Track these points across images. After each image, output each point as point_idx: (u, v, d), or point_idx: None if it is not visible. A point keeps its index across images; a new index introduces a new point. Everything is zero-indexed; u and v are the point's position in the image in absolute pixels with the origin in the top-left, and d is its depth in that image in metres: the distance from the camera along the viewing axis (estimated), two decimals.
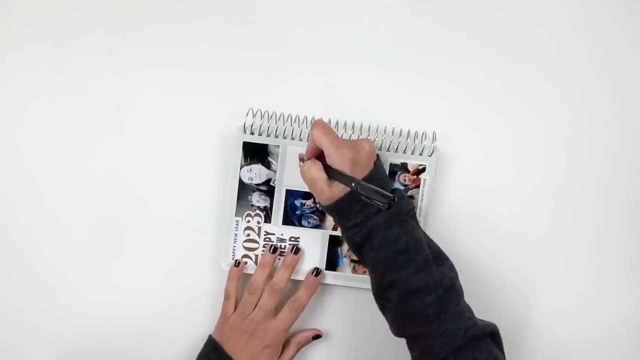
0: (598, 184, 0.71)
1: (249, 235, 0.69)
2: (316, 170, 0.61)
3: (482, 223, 0.71)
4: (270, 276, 0.68)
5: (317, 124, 0.61)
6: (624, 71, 0.71)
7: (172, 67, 0.72)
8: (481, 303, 0.61)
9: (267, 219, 0.69)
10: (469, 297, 0.60)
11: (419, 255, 0.58)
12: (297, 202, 0.69)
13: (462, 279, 0.61)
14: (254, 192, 0.69)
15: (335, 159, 0.59)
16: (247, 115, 0.68)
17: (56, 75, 0.72)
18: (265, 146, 0.69)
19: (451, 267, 0.60)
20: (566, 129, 0.71)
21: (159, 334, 0.72)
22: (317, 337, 0.69)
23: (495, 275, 0.71)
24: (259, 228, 0.69)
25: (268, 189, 0.69)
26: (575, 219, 0.71)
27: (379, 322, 0.61)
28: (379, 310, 0.61)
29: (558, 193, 0.71)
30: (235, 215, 0.69)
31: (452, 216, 0.70)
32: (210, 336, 0.67)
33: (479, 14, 0.71)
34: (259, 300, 0.66)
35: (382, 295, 0.60)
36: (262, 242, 0.69)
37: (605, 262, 0.71)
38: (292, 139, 0.68)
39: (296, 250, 0.68)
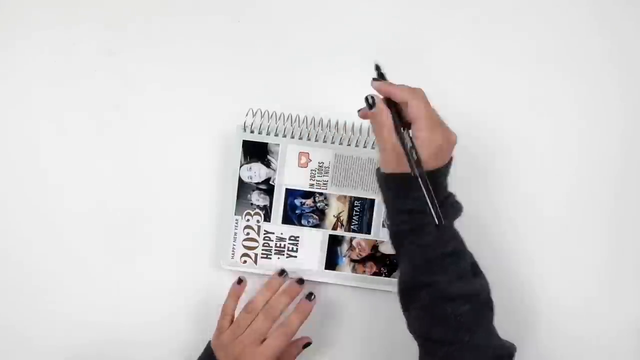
0: (608, 182, 0.71)
1: (248, 234, 0.69)
2: (388, 116, 0.55)
3: (486, 222, 0.70)
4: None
5: (421, 91, 0.55)
6: (634, 69, 0.71)
7: (172, 67, 0.73)
8: None
9: (267, 218, 0.69)
10: None
11: (462, 262, 0.56)
12: (297, 201, 0.69)
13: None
14: (253, 190, 0.69)
15: (425, 138, 0.53)
16: (247, 114, 0.68)
17: (56, 75, 0.72)
18: (265, 145, 0.69)
19: (487, 281, 0.58)
20: (576, 128, 0.71)
21: (158, 332, 0.72)
22: (307, 345, 0.68)
23: (501, 272, 0.70)
24: (259, 227, 0.69)
25: (268, 188, 0.69)
26: (583, 217, 0.71)
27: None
28: (400, 303, 0.58)
29: (567, 192, 0.71)
30: (235, 214, 0.69)
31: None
32: (209, 343, 0.66)
33: (481, 13, 0.72)
34: (253, 320, 0.65)
35: (412, 292, 0.57)
36: (261, 241, 0.69)
37: (614, 259, 0.71)
38: (292, 137, 0.68)
39: (301, 280, 0.68)
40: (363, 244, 0.69)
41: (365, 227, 0.69)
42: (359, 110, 0.59)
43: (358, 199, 0.69)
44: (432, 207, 0.53)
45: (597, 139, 0.71)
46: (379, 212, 0.69)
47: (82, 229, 0.72)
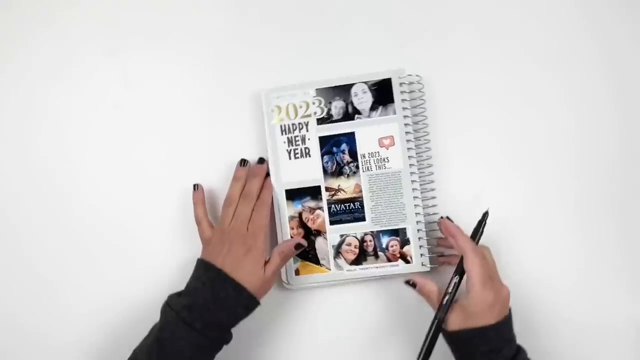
0: (609, 181, 0.70)
1: None
2: (432, 285, 0.64)
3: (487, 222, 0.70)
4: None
5: (481, 250, 0.62)
6: (627, 70, 0.71)
7: (172, 67, 0.73)
8: None
9: None
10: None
11: None
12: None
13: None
14: None
15: (476, 293, 0.59)
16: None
17: (56, 75, 0.73)
18: None
19: None
20: (569, 129, 0.71)
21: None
22: (299, 246, 0.66)
23: (501, 272, 0.70)
24: None
25: None
26: (583, 216, 0.71)
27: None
28: None
29: (567, 190, 0.70)
30: None
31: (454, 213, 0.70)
32: (198, 260, 0.65)
33: (481, 13, 0.72)
34: (235, 210, 0.66)
35: None
36: None
37: (614, 259, 0.70)
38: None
39: (260, 160, 0.70)
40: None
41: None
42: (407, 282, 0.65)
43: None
44: (424, 348, 0.61)
45: (594, 138, 0.71)
46: None
47: (84, 229, 0.72)
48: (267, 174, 0.70)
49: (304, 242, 0.67)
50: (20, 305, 0.72)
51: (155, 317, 0.62)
